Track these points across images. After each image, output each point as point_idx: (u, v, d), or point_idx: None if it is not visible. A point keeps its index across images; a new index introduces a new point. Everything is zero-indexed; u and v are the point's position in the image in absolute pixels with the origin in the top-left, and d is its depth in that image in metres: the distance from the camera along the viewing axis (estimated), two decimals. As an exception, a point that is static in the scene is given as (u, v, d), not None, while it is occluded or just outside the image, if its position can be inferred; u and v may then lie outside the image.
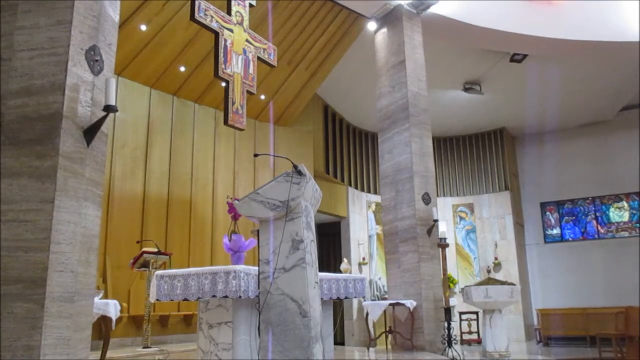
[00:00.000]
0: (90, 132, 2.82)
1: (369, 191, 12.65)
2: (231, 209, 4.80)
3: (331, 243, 12.59)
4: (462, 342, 10.57)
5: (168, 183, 8.28)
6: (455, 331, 7.79)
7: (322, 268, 4.67)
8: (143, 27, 7.39)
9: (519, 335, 11.69)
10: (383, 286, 11.40)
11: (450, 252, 11.69)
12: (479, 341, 9.87)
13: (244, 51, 5.65)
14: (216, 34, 5.38)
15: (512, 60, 10.11)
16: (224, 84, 5.50)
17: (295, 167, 3.15)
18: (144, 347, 6.22)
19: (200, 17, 5.18)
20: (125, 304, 6.88)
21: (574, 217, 13.32)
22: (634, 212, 12.63)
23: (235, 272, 3.66)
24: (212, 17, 5.30)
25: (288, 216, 3.12)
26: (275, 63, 6.15)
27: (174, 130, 8.51)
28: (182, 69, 8.26)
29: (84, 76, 2.83)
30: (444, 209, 12.86)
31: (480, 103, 11.90)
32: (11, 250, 2.51)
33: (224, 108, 5.42)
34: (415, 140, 7.65)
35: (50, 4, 2.80)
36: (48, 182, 2.60)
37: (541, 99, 11.59)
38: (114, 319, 4.59)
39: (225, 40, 5.43)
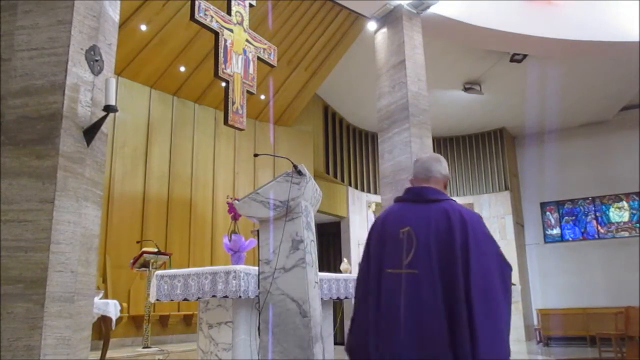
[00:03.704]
0: (90, 132, 2.82)
1: (369, 191, 12.65)
2: (231, 209, 4.80)
3: (331, 243, 12.58)
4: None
5: (168, 183, 8.28)
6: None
7: (322, 268, 4.67)
8: (143, 27, 7.39)
9: (519, 335, 11.68)
10: (383, 286, 11.39)
11: (450, 252, 11.66)
12: (479, 341, 9.83)
13: (244, 51, 5.65)
14: (216, 34, 5.38)
15: (512, 60, 10.11)
16: (224, 84, 5.50)
17: (295, 167, 3.15)
18: (144, 347, 6.23)
19: (200, 17, 5.18)
20: (125, 304, 6.88)
21: (574, 217, 13.32)
22: (634, 212, 12.63)
23: (235, 272, 3.66)
24: (212, 17, 5.29)
25: (288, 216, 3.12)
26: (275, 63, 6.15)
27: (174, 130, 8.51)
28: (182, 69, 8.26)
29: (84, 76, 2.83)
30: (444, 209, 12.83)
31: (480, 103, 11.90)
32: (11, 250, 2.51)
33: (224, 108, 5.42)
34: (415, 140, 7.65)
35: (50, 4, 2.80)
36: (48, 182, 2.59)
37: (541, 99, 11.59)
38: (114, 319, 4.60)
39: (225, 40, 5.43)
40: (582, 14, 9.32)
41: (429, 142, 7.86)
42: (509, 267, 2.11)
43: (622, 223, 12.75)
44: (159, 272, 4.24)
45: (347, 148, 12.32)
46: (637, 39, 9.21)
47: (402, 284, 2.00)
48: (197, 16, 5.15)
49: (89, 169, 2.83)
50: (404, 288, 1.99)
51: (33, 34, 2.75)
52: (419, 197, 2.17)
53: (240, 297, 3.65)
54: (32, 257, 2.51)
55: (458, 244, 1.99)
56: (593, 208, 13.10)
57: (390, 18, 8.28)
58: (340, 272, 7.98)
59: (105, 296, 6.49)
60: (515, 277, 11.94)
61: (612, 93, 11.62)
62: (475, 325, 1.89)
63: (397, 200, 2.30)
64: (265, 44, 6.00)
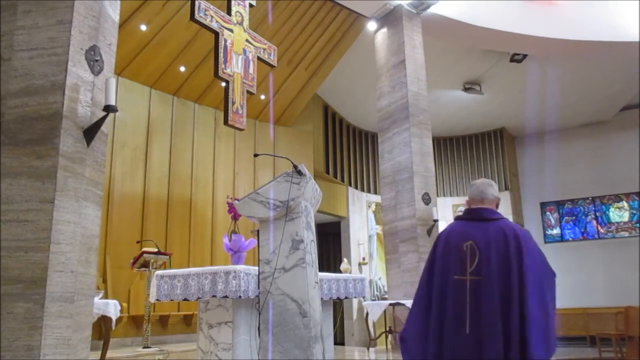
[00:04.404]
0: (90, 132, 2.82)
1: (369, 191, 12.65)
2: (231, 209, 4.80)
3: (331, 243, 12.58)
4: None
5: (168, 183, 8.27)
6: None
7: (322, 268, 4.67)
8: (143, 27, 7.39)
9: (519, 335, 11.66)
10: (383, 286, 11.39)
11: (450, 252, 11.67)
12: (479, 341, 9.83)
13: (244, 51, 5.65)
14: (216, 34, 5.38)
15: (512, 60, 10.11)
16: (224, 84, 5.50)
17: (295, 167, 3.15)
18: (144, 347, 6.22)
19: (200, 17, 5.18)
20: (125, 304, 6.88)
21: (574, 217, 13.32)
22: (634, 212, 12.63)
23: (235, 272, 3.66)
24: (212, 17, 5.30)
25: (288, 216, 3.12)
26: (275, 63, 6.15)
27: (174, 130, 8.51)
28: (182, 69, 8.25)
29: (84, 76, 2.83)
30: (444, 209, 12.85)
31: (480, 103, 11.90)
32: (11, 250, 2.51)
33: (224, 108, 5.42)
34: (415, 140, 7.65)
35: (50, 4, 2.80)
36: (48, 182, 2.59)
37: (541, 99, 11.59)
38: (114, 319, 4.59)
39: (225, 40, 5.43)
40: (582, 14, 9.32)
41: (429, 142, 7.86)
42: (554, 274, 2.56)
43: (622, 223, 12.75)
44: (159, 272, 4.24)
45: (347, 148, 12.32)
46: (637, 39, 9.21)
47: (466, 288, 2.41)
48: (197, 16, 5.15)
49: (89, 169, 2.83)
50: (468, 292, 2.40)
51: (33, 34, 2.75)
52: (478, 216, 2.59)
53: (240, 297, 3.65)
54: (32, 257, 2.51)
55: (513, 255, 2.40)
56: (593, 208, 13.10)
57: (390, 18, 8.28)
58: (340, 272, 7.99)
59: (105, 296, 6.49)
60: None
61: (612, 93, 11.62)
62: (528, 323, 2.28)
63: (458, 219, 2.71)
64: (265, 44, 6.01)
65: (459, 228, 2.62)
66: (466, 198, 2.73)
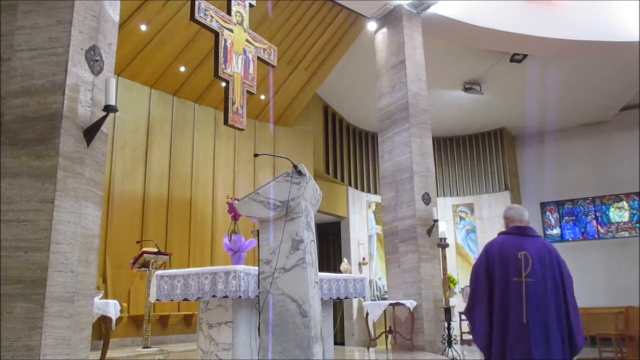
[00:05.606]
0: (90, 132, 2.82)
1: (369, 191, 12.65)
2: (231, 209, 4.80)
3: (331, 243, 12.58)
4: (462, 342, 10.56)
5: (168, 183, 8.27)
6: (455, 331, 7.77)
7: (322, 268, 4.67)
8: (143, 27, 7.39)
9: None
10: (383, 286, 11.39)
11: (450, 252, 11.68)
12: (479, 341, 9.81)
13: (244, 51, 5.65)
14: (216, 34, 5.38)
15: (512, 60, 10.11)
16: (224, 84, 5.50)
17: (295, 167, 3.15)
18: (144, 347, 6.22)
19: (200, 17, 5.18)
20: (125, 304, 6.87)
21: (574, 217, 13.31)
22: (634, 212, 12.62)
23: (235, 272, 3.66)
24: (212, 17, 5.30)
25: (288, 216, 3.12)
26: (275, 63, 6.15)
27: (174, 130, 8.51)
28: (182, 69, 8.25)
29: (84, 76, 2.84)
30: (444, 209, 12.86)
31: (480, 103, 11.89)
32: (11, 250, 2.51)
33: (224, 108, 5.42)
34: (415, 140, 7.65)
35: (50, 4, 2.80)
36: (48, 182, 2.60)
37: (541, 99, 11.59)
38: (114, 319, 4.59)
39: (225, 40, 5.43)
40: (582, 14, 9.32)
41: (429, 142, 7.86)
42: (572, 277, 3.32)
43: (622, 223, 12.74)
44: (159, 272, 4.24)
45: (347, 148, 12.32)
46: (637, 39, 9.21)
47: (523, 287, 3.16)
48: (197, 16, 5.15)
49: (89, 169, 2.83)
50: (525, 290, 3.15)
51: (33, 34, 2.76)
52: (526, 232, 3.38)
53: (240, 297, 3.65)
54: (32, 257, 2.51)
55: (555, 264, 3.25)
56: (593, 208, 13.10)
57: (390, 18, 8.28)
58: (340, 272, 8.00)
59: (105, 296, 6.48)
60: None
61: (612, 93, 11.62)
62: (569, 312, 3.17)
63: (503, 233, 3.45)
64: (265, 44, 6.01)
65: (511, 240, 3.35)
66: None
